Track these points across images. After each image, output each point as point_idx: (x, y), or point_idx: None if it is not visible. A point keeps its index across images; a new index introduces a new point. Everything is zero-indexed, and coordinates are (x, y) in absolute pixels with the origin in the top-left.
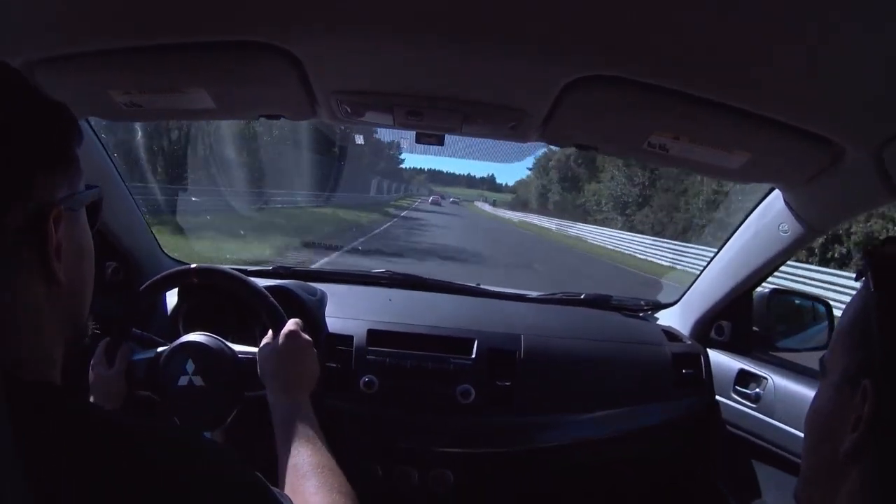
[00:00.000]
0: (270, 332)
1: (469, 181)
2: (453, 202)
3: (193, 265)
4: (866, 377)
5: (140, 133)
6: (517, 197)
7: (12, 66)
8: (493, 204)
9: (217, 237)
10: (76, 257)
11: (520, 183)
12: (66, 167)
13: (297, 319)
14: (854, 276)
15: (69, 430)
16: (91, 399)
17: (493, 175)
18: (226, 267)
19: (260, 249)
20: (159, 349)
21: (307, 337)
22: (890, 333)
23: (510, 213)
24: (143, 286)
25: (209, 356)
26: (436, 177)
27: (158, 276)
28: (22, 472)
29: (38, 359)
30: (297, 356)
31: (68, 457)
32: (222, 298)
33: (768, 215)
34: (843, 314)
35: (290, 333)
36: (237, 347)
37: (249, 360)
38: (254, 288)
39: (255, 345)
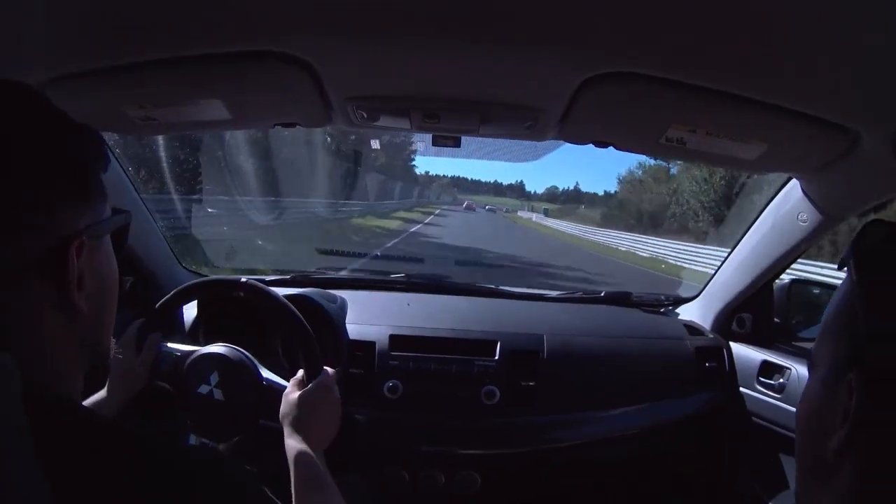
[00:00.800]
0: (302, 373)
1: (496, 189)
2: (489, 210)
3: (244, 279)
4: (852, 370)
5: (156, 144)
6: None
7: (36, 90)
8: (546, 213)
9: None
10: (99, 286)
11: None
12: (89, 195)
13: (333, 371)
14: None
15: (88, 447)
16: (109, 378)
17: (522, 182)
18: (274, 290)
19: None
20: (189, 348)
21: (337, 394)
22: (874, 324)
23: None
24: (190, 283)
25: (235, 374)
26: (459, 184)
27: (207, 279)
28: (46, 489)
29: (57, 382)
30: (324, 411)
31: (87, 474)
32: (246, 311)
33: (786, 205)
34: (829, 305)
35: (323, 387)
36: (265, 373)
37: (274, 392)
38: (300, 323)
39: (276, 359)
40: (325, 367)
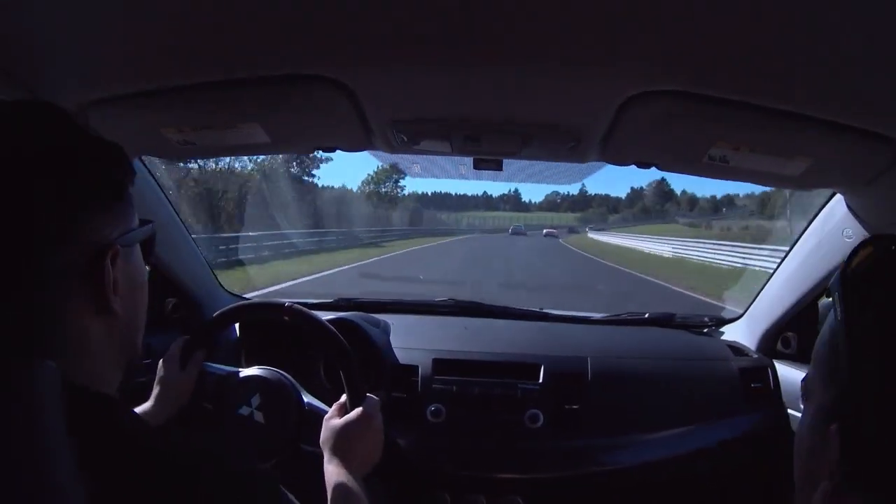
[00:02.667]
0: (345, 398)
1: (487, 202)
2: (549, 235)
3: (288, 302)
4: (839, 420)
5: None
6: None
7: (64, 109)
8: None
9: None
10: (130, 290)
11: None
12: (120, 206)
13: (377, 400)
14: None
15: (127, 450)
16: (152, 394)
17: (517, 191)
18: (317, 314)
19: None
20: (232, 369)
21: (380, 421)
22: (862, 372)
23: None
24: (236, 305)
25: (277, 397)
26: (441, 202)
27: (253, 302)
28: (82, 481)
29: (99, 382)
30: (366, 439)
31: (125, 476)
32: (287, 332)
33: (831, 222)
34: (820, 335)
35: (366, 414)
36: (307, 398)
37: (315, 417)
38: (343, 348)
39: (317, 380)
40: (368, 394)
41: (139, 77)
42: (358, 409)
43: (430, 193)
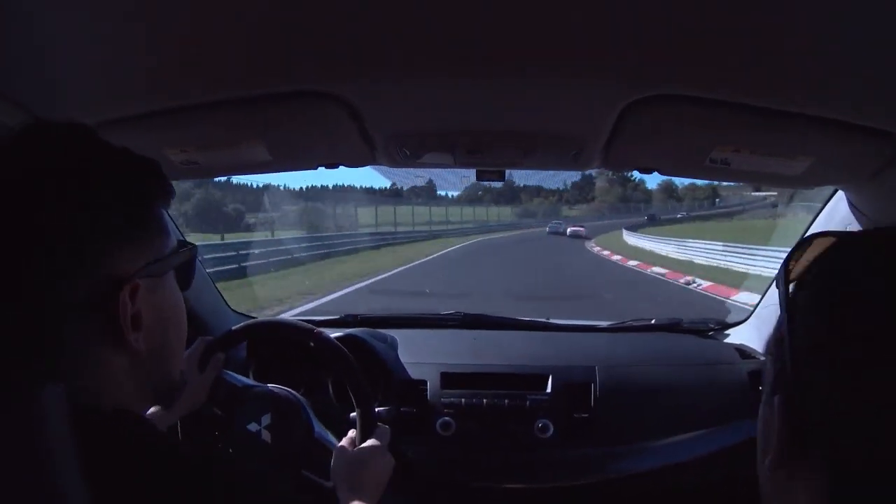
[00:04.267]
0: (356, 432)
1: (395, 194)
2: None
3: (316, 330)
4: (779, 391)
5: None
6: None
7: (89, 128)
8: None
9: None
10: (159, 323)
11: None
12: (147, 232)
13: (386, 431)
14: None
15: (140, 473)
16: None
17: (431, 181)
18: (333, 336)
19: None
20: (249, 382)
21: (390, 455)
22: (798, 342)
23: None
24: (268, 320)
25: (288, 421)
26: (331, 196)
27: (286, 320)
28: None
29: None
30: (377, 470)
31: (142, 488)
32: (297, 349)
33: (834, 218)
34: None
35: (378, 449)
36: (318, 427)
37: (321, 447)
38: (360, 382)
39: (325, 395)
40: (379, 424)
41: (142, 99)
42: (371, 441)
43: (318, 187)
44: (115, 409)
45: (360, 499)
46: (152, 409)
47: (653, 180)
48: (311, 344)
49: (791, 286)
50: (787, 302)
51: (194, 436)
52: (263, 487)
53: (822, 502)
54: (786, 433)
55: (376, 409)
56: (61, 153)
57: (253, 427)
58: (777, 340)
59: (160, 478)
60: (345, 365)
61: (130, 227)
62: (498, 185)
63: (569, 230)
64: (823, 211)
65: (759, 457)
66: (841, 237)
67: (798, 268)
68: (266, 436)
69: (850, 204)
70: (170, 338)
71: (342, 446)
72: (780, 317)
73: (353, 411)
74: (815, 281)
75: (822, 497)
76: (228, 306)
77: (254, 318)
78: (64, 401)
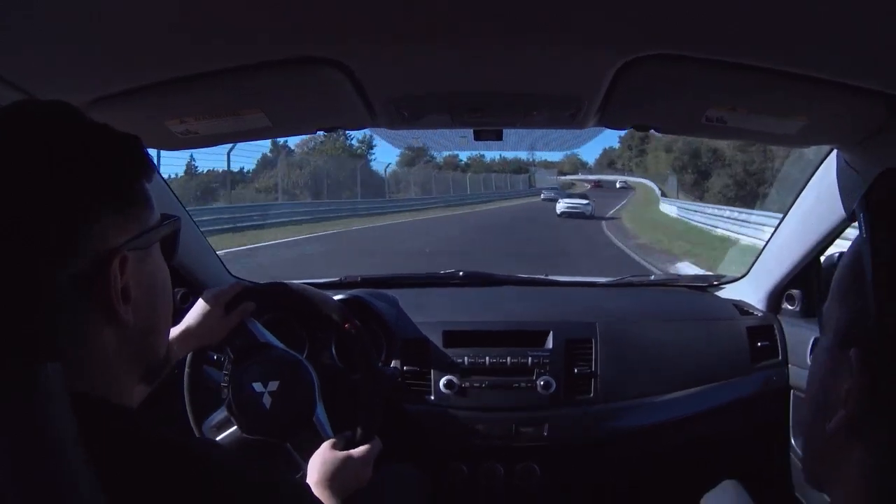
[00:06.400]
0: (348, 435)
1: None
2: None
3: (306, 286)
4: (856, 343)
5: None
6: None
7: (72, 105)
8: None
9: None
10: (147, 296)
11: None
12: (132, 206)
13: (379, 445)
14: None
15: (137, 457)
16: (185, 322)
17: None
18: (336, 298)
19: None
20: (274, 342)
21: (370, 471)
22: (884, 287)
23: None
24: (303, 288)
25: (294, 396)
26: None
27: (300, 286)
28: (98, 494)
29: (110, 392)
30: (352, 479)
31: (135, 482)
32: (298, 315)
33: (829, 177)
34: (841, 260)
35: (364, 460)
36: (319, 411)
37: (314, 432)
38: (376, 389)
39: (328, 357)
40: (375, 438)
41: (140, 71)
42: (365, 447)
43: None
44: (114, 406)
45: (333, 496)
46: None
47: None
48: (348, 329)
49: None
50: (871, 240)
51: (200, 376)
52: (267, 482)
53: (888, 472)
54: (865, 392)
55: (380, 366)
56: (46, 132)
57: (258, 387)
58: (850, 282)
59: (158, 468)
60: (365, 363)
61: (116, 202)
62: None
63: (563, 205)
64: (818, 171)
65: (810, 417)
66: None
67: (876, 204)
68: (267, 400)
69: (846, 163)
70: (157, 311)
71: (333, 442)
72: (853, 255)
73: (354, 373)
74: None
75: (887, 466)
76: (229, 272)
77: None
78: (63, 379)
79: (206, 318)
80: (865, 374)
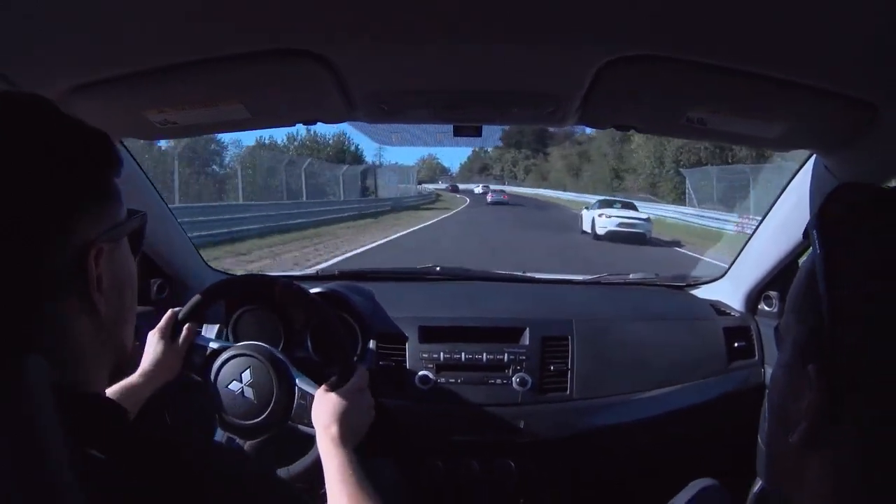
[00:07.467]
0: (335, 377)
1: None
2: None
3: (278, 276)
4: (813, 359)
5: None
6: None
7: (48, 99)
8: None
9: None
10: (117, 288)
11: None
12: (106, 199)
13: (365, 372)
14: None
15: (118, 447)
16: (139, 368)
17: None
18: (312, 292)
19: None
20: (224, 343)
21: (370, 396)
22: (838, 303)
23: None
24: (228, 279)
25: (269, 375)
26: None
27: (246, 276)
28: (77, 486)
29: (87, 382)
30: (357, 412)
31: (115, 472)
32: (274, 306)
33: (808, 182)
34: (796, 278)
35: (357, 388)
36: (297, 377)
37: (304, 395)
38: (335, 325)
39: (305, 352)
40: (358, 367)
41: (121, 59)
42: (349, 383)
43: None
44: (92, 396)
45: (340, 441)
46: (126, 383)
47: None
48: (277, 293)
49: (816, 239)
50: (825, 257)
51: (175, 406)
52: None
53: (847, 480)
54: (825, 406)
55: (355, 360)
56: (27, 126)
57: (235, 386)
58: (805, 299)
59: (142, 465)
60: (313, 308)
61: (93, 195)
62: None
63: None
64: (798, 174)
65: (770, 428)
66: (885, 192)
67: (829, 220)
68: (249, 393)
69: (826, 168)
70: (125, 303)
71: (322, 390)
72: (807, 272)
73: (330, 366)
74: (858, 235)
75: (846, 475)
76: (207, 265)
77: (233, 275)
78: (46, 372)
79: (157, 357)
80: (823, 390)
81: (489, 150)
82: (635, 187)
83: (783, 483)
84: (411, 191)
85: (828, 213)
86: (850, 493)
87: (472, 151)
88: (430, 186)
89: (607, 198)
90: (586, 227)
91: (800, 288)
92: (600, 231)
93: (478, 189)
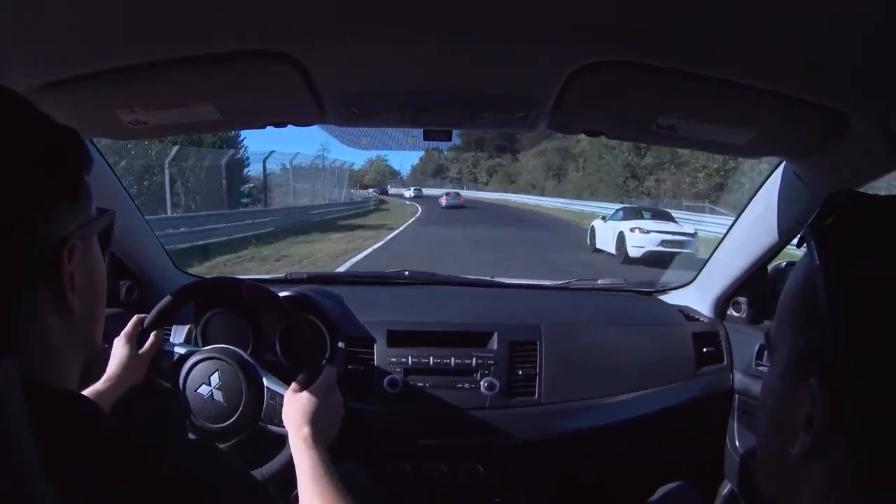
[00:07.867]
0: (303, 377)
1: None
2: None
3: (246, 279)
4: (814, 371)
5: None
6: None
7: (20, 94)
8: None
9: None
10: (88, 286)
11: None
12: (77, 197)
13: (333, 370)
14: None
15: (90, 445)
16: (105, 374)
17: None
18: (273, 290)
19: None
20: (191, 348)
21: (339, 394)
22: (841, 315)
23: None
24: (192, 283)
25: (237, 377)
26: None
27: (212, 278)
28: (50, 487)
29: (60, 380)
30: (326, 411)
31: (87, 471)
32: (241, 309)
33: (778, 188)
34: (788, 282)
35: (325, 386)
36: (266, 381)
37: (274, 395)
38: (300, 326)
39: (273, 356)
40: (326, 366)
41: (90, 58)
42: (317, 382)
43: None
44: (63, 392)
45: (311, 442)
46: (92, 389)
47: None
48: (243, 295)
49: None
50: (825, 267)
51: (144, 411)
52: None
53: (847, 486)
54: (829, 419)
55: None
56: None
57: (204, 390)
58: (803, 310)
59: (113, 464)
60: (280, 309)
61: (63, 191)
62: None
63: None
64: (768, 181)
65: (763, 441)
66: (879, 199)
67: (826, 229)
68: (218, 396)
69: (795, 175)
70: (97, 301)
71: (291, 390)
72: (801, 281)
73: (298, 369)
74: (856, 244)
75: (846, 481)
76: (177, 266)
77: (201, 278)
78: (19, 374)
79: (123, 362)
80: (828, 402)
81: (444, 150)
82: (670, 191)
83: (780, 493)
84: (341, 196)
85: (823, 221)
86: (849, 499)
87: (425, 152)
88: (393, 191)
89: (632, 206)
90: (605, 244)
91: (794, 298)
92: (634, 252)
93: (443, 200)
